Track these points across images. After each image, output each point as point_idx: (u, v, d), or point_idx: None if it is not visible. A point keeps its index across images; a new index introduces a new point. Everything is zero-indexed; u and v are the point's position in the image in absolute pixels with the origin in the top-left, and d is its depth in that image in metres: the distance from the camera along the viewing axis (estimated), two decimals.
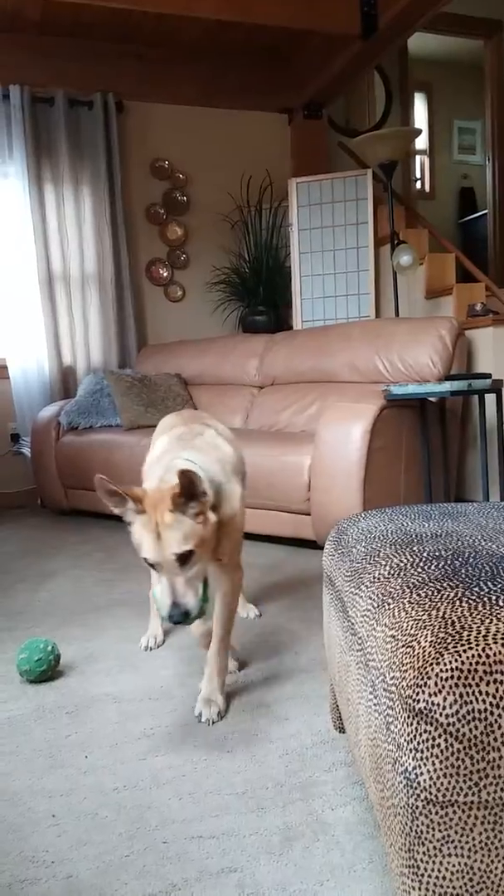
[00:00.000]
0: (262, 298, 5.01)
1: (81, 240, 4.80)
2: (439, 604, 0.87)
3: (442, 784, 0.76)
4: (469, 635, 0.80)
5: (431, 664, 0.78)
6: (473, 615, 0.83)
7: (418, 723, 0.77)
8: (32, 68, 4.60)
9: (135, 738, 1.57)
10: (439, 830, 0.77)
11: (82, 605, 2.53)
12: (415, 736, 0.78)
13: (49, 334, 4.71)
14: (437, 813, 0.77)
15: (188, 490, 1.42)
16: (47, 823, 1.28)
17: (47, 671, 1.91)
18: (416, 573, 1.00)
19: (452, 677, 0.77)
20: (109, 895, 1.09)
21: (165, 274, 5.13)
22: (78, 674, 1.93)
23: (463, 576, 0.95)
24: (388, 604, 0.95)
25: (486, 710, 0.75)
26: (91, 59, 4.73)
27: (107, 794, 1.37)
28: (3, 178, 4.63)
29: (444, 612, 0.85)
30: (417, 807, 0.78)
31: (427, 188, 7.18)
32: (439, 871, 0.78)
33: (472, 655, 0.77)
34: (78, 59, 4.69)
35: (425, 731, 0.77)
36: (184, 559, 1.40)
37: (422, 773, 0.77)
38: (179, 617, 1.38)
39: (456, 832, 0.77)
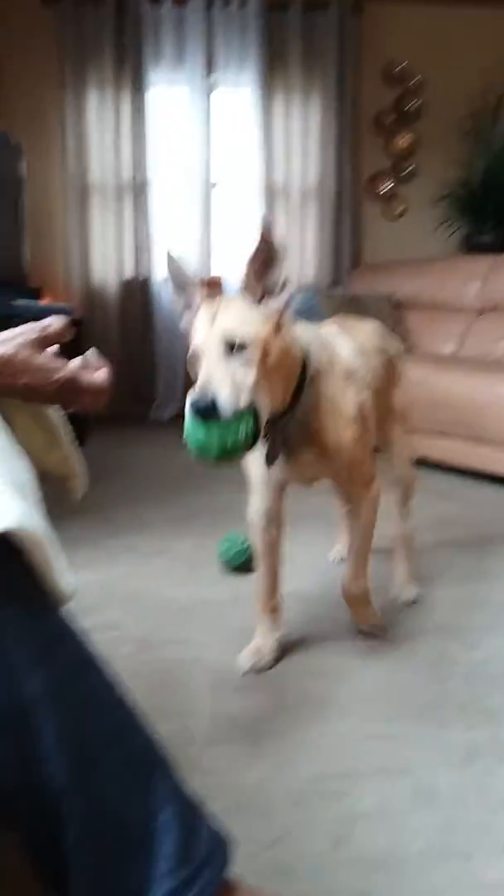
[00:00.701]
0: (490, 216, 4.66)
1: (305, 152, 4.73)
2: None
3: None
4: None
5: None
6: None
7: None
8: None
9: (321, 633, 1.64)
10: None
11: None
12: None
13: None
14: None
15: (266, 256, 1.19)
16: (236, 696, 1.39)
17: (245, 564, 2.02)
18: None
19: None
20: (285, 766, 1.17)
21: (388, 188, 4.93)
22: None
23: None
24: None
25: None
26: None
27: (292, 678, 1.45)
28: (234, 87, 4.65)
29: None
30: None
31: None
32: None
33: None
34: None
35: None
36: (233, 347, 1.16)
37: None
38: (204, 405, 1.10)
39: None
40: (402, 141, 4.87)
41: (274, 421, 1.30)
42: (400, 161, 4.90)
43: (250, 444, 1.17)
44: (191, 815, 0.69)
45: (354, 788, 1.12)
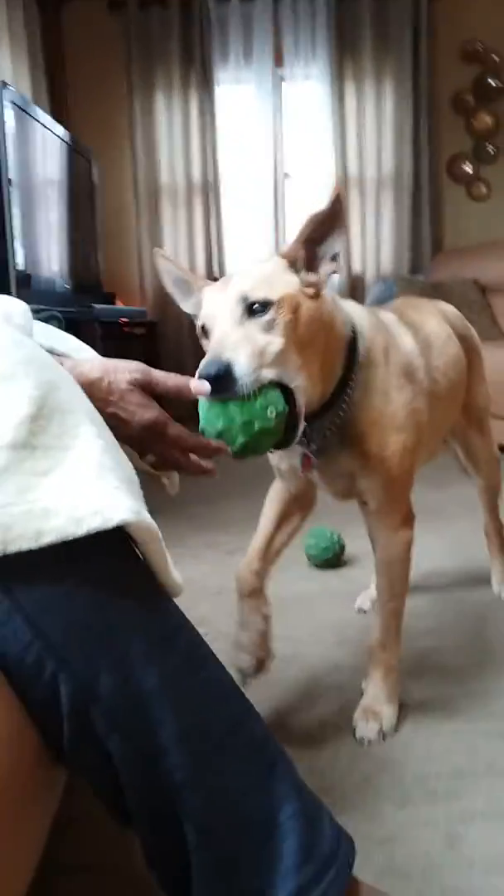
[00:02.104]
0: None
1: (380, 140, 4.62)
2: None
3: None
4: None
5: None
6: None
7: None
8: None
9: (422, 632, 1.55)
10: None
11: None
12: None
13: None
14: None
15: (331, 219, 0.98)
16: (335, 692, 1.33)
17: (332, 559, 1.96)
18: None
19: None
20: (393, 766, 1.10)
21: (469, 170, 4.74)
22: (360, 567, 1.95)
23: None
24: None
25: None
26: None
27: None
28: (304, 79, 4.59)
29: None
30: None
31: None
32: None
33: None
34: None
35: None
36: (252, 309, 0.94)
37: None
38: (216, 374, 0.86)
39: None
40: (484, 120, 4.68)
41: (310, 417, 1.04)
42: (482, 141, 4.71)
43: (283, 432, 0.92)
44: (313, 811, 0.66)
45: (466, 789, 1.04)
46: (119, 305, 4.30)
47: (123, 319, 3.93)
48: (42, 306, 2.81)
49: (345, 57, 4.54)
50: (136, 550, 0.66)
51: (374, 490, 1.16)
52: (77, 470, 0.60)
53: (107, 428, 0.69)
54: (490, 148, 4.70)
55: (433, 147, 4.65)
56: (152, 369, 0.84)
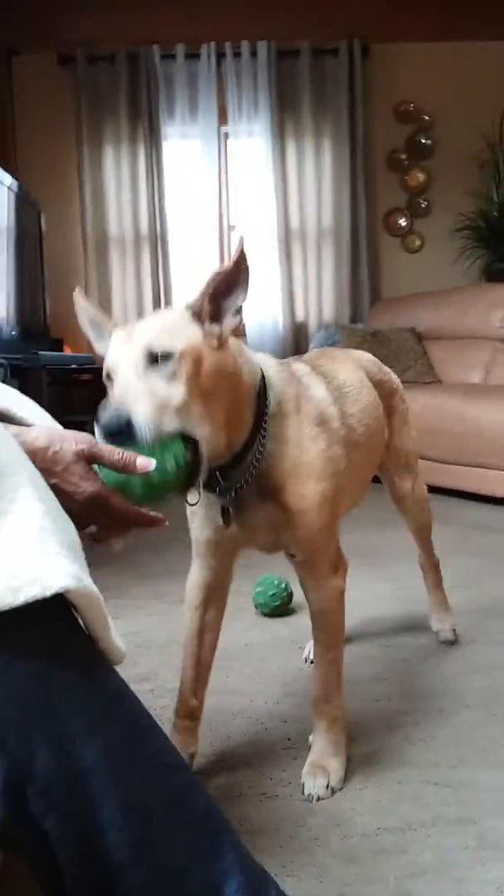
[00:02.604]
0: None
1: (320, 194, 4.79)
2: None
3: None
4: None
5: None
6: None
7: None
8: (278, 22, 4.60)
9: (367, 679, 1.57)
10: None
11: None
12: None
13: (284, 291, 4.79)
14: None
15: (234, 275, 1.00)
16: (284, 746, 1.33)
17: (280, 606, 1.97)
18: None
19: None
20: (341, 821, 1.11)
21: (404, 223, 4.95)
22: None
23: None
24: None
25: None
26: (337, 3, 4.60)
27: None
28: (247, 136, 4.74)
29: None
30: None
31: None
32: None
33: None
34: (324, 4, 4.60)
35: None
36: (155, 360, 0.94)
37: None
38: (117, 426, 0.87)
39: None
40: (416, 177, 4.91)
41: (223, 468, 1.06)
42: (415, 196, 4.94)
43: (183, 481, 0.93)
44: (258, 883, 0.64)
45: (414, 842, 1.05)
46: (66, 352, 4.29)
47: (71, 365, 3.92)
48: None
49: (285, 115, 4.73)
50: (76, 616, 0.65)
51: (299, 542, 1.15)
52: (15, 534, 0.59)
53: (49, 490, 0.69)
54: (422, 203, 4.92)
55: (370, 202, 4.84)
56: (98, 443, 0.83)
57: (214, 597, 1.27)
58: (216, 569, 1.25)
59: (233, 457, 1.07)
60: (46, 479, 0.74)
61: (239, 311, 1.02)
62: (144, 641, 1.80)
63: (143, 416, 0.88)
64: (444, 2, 4.64)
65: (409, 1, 4.62)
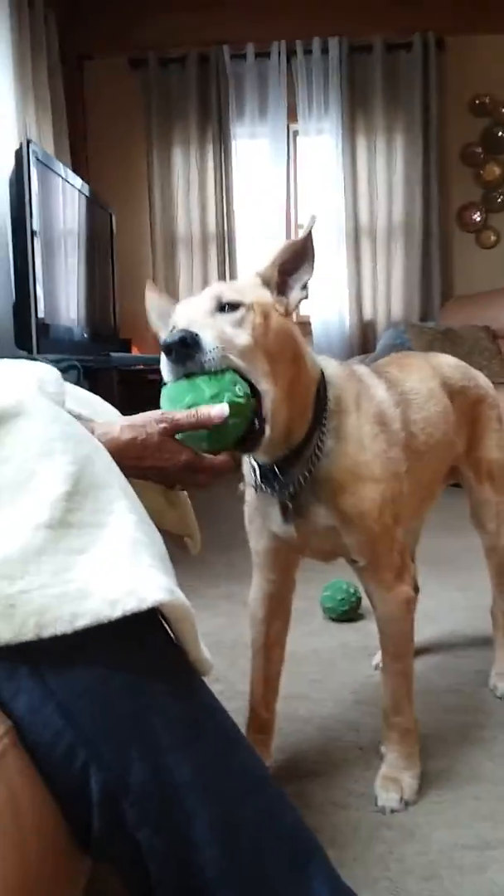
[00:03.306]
0: None
1: (391, 190, 4.71)
2: None
3: None
4: None
5: None
6: None
7: None
8: (351, 18, 4.55)
9: (441, 690, 1.53)
10: None
11: None
12: None
13: (352, 288, 4.73)
14: None
15: (303, 250, 1.01)
16: (355, 755, 1.30)
17: (349, 612, 1.95)
18: None
19: None
20: (417, 835, 1.08)
21: (479, 218, 4.82)
22: None
23: None
24: None
25: None
26: None
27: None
28: (317, 134, 4.69)
29: None
30: None
31: None
32: None
33: None
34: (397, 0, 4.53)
35: None
36: (223, 309, 0.94)
37: None
38: (180, 335, 0.85)
39: None
40: (492, 171, 4.77)
41: (281, 463, 1.04)
42: (491, 190, 4.79)
43: (247, 427, 0.90)
44: None
45: (494, 861, 1.02)
46: (135, 353, 4.35)
47: (139, 366, 3.98)
48: (61, 355, 2.85)
49: (356, 112, 4.66)
50: (167, 627, 0.66)
51: (359, 546, 1.10)
52: (112, 547, 0.60)
53: (138, 500, 0.70)
54: (498, 197, 4.78)
55: (443, 197, 4.73)
56: (172, 412, 0.87)
57: (278, 609, 1.25)
58: (277, 580, 1.23)
59: (291, 451, 1.04)
60: (141, 465, 0.81)
61: (305, 286, 1.02)
62: (213, 643, 1.79)
63: (210, 338, 0.87)
64: None
65: None
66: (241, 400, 0.87)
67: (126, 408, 0.96)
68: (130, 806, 0.57)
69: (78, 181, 3.58)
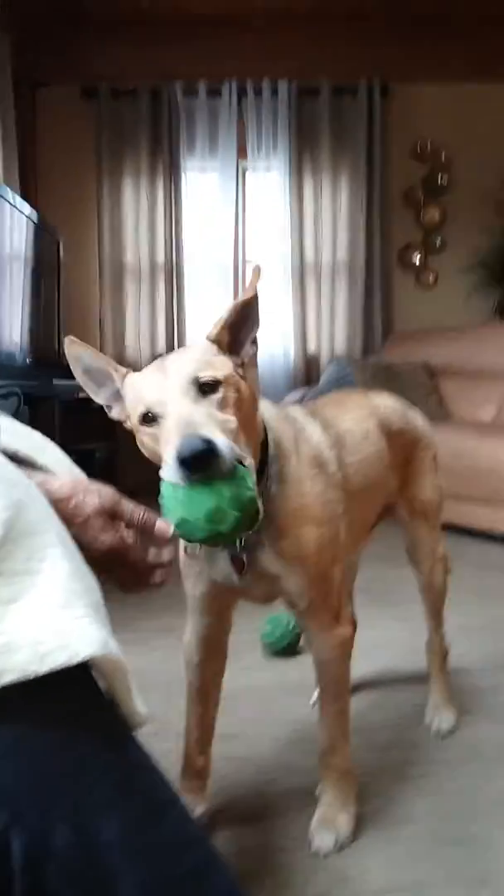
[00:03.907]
0: None
1: (335, 229, 4.83)
2: None
3: None
4: None
5: None
6: None
7: None
8: (300, 61, 4.69)
9: (375, 727, 1.54)
10: None
11: None
12: None
13: (297, 322, 4.82)
14: None
15: (249, 307, 1.00)
16: (290, 797, 1.29)
17: (289, 647, 1.94)
18: None
19: None
20: (350, 878, 1.07)
21: (418, 259, 4.99)
22: None
23: None
24: None
25: None
26: (358, 43, 4.68)
27: None
28: (265, 171, 4.80)
29: None
30: None
31: None
32: None
33: None
34: (345, 44, 4.68)
35: None
36: (203, 390, 0.92)
37: None
38: (198, 446, 0.82)
39: None
40: (432, 214, 4.95)
41: None
42: (430, 233, 4.97)
43: (253, 515, 0.88)
44: None
45: None
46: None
47: (82, 394, 3.93)
48: (1, 381, 2.79)
49: (304, 152, 4.79)
50: (96, 680, 0.63)
51: (300, 588, 1.09)
52: (43, 597, 0.58)
53: (75, 547, 0.67)
54: (437, 239, 4.96)
55: (385, 237, 4.88)
56: (122, 499, 0.81)
57: (215, 652, 1.23)
58: (213, 624, 1.21)
59: None
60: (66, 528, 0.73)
61: (255, 340, 1.02)
62: (148, 680, 1.76)
63: (223, 440, 0.85)
64: (463, 43, 4.71)
65: (428, 42, 4.70)
66: (252, 493, 0.86)
67: (68, 435, 0.93)
68: (55, 869, 0.54)
69: (26, 207, 3.55)
